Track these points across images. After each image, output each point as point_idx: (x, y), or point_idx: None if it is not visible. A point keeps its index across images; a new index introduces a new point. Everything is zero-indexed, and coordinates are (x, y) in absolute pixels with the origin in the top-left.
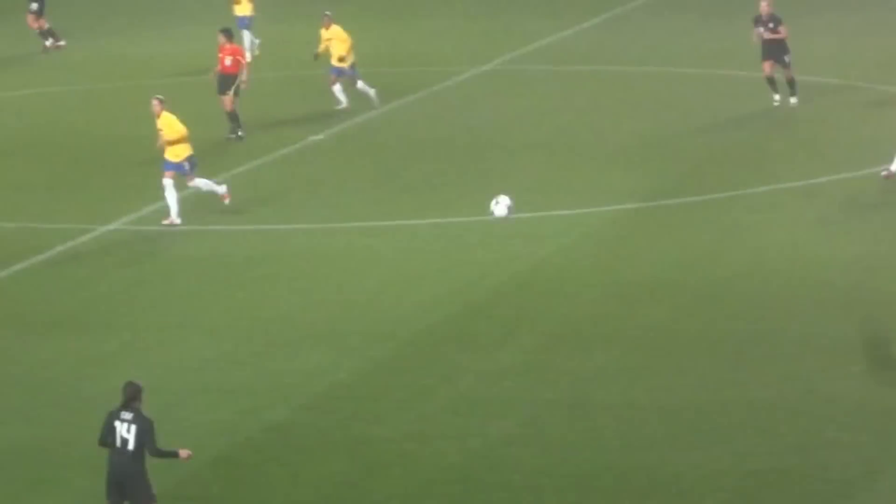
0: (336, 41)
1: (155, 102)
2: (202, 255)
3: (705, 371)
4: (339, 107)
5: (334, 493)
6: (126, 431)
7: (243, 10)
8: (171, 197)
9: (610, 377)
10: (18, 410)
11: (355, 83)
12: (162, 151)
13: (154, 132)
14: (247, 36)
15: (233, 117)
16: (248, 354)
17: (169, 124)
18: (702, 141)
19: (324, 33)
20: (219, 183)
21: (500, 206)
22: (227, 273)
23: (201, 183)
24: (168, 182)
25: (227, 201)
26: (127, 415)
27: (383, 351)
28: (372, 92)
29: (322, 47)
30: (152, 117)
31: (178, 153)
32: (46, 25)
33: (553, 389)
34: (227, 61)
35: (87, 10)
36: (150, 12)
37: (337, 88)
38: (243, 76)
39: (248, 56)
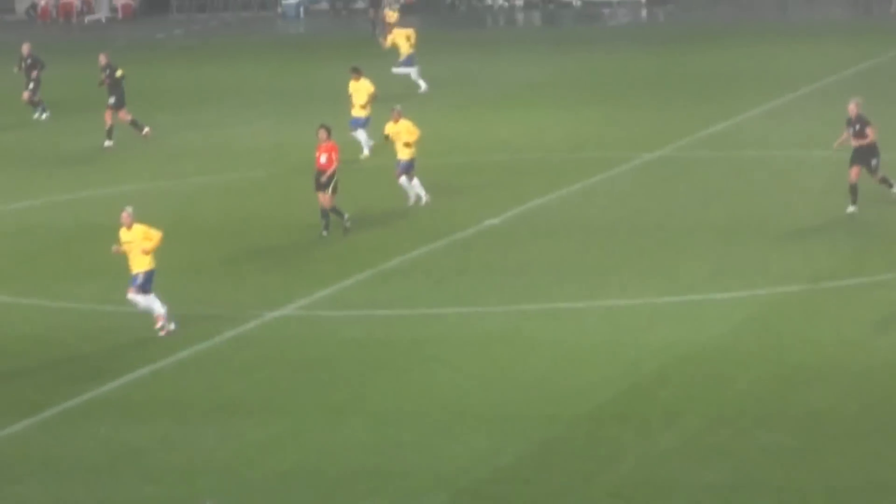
0: (403, 133)
1: (125, 215)
2: (369, 339)
3: (868, 452)
4: (411, 202)
5: None
6: None
7: (358, 112)
8: (153, 303)
9: (773, 458)
10: (175, 500)
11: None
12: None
13: None
14: (361, 134)
15: (324, 214)
16: (410, 438)
17: (142, 235)
18: (864, 223)
19: (391, 126)
20: (163, 305)
21: None
22: (394, 357)
23: (142, 300)
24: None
25: (162, 333)
26: None
27: (547, 433)
28: (413, 194)
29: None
30: (122, 228)
31: (140, 265)
32: (130, 117)
33: (715, 471)
34: (323, 158)
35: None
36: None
37: (404, 180)
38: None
39: (365, 152)
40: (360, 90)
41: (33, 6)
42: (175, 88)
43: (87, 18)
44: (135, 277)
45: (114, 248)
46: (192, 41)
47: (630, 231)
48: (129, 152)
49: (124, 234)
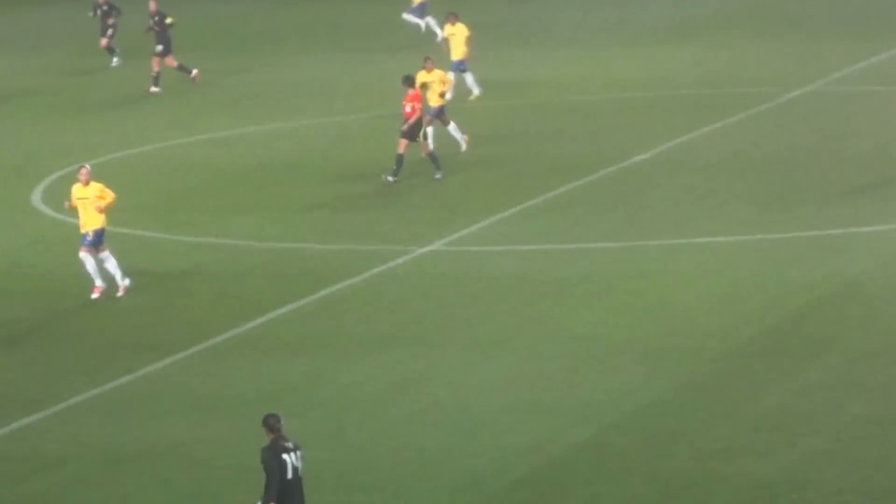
0: (436, 82)
1: (83, 171)
2: (516, 275)
3: None
4: (462, 149)
5: None
6: (296, 459)
7: (457, 55)
8: (108, 265)
9: None
10: (324, 434)
11: (447, 124)
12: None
13: None
14: (468, 77)
15: (398, 161)
16: (558, 373)
17: (98, 194)
18: None
19: (424, 74)
20: (123, 277)
21: None
22: (544, 292)
23: (91, 262)
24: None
25: (120, 293)
26: (287, 444)
27: (692, 368)
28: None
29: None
30: (80, 185)
31: (92, 223)
32: (176, 63)
33: (862, 405)
34: (407, 108)
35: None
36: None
37: (451, 128)
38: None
39: (476, 92)
40: (458, 34)
41: None
42: (273, 29)
43: None
44: (84, 235)
45: (66, 203)
46: None
47: (779, 166)
48: (244, 94)
49: (79, 190)
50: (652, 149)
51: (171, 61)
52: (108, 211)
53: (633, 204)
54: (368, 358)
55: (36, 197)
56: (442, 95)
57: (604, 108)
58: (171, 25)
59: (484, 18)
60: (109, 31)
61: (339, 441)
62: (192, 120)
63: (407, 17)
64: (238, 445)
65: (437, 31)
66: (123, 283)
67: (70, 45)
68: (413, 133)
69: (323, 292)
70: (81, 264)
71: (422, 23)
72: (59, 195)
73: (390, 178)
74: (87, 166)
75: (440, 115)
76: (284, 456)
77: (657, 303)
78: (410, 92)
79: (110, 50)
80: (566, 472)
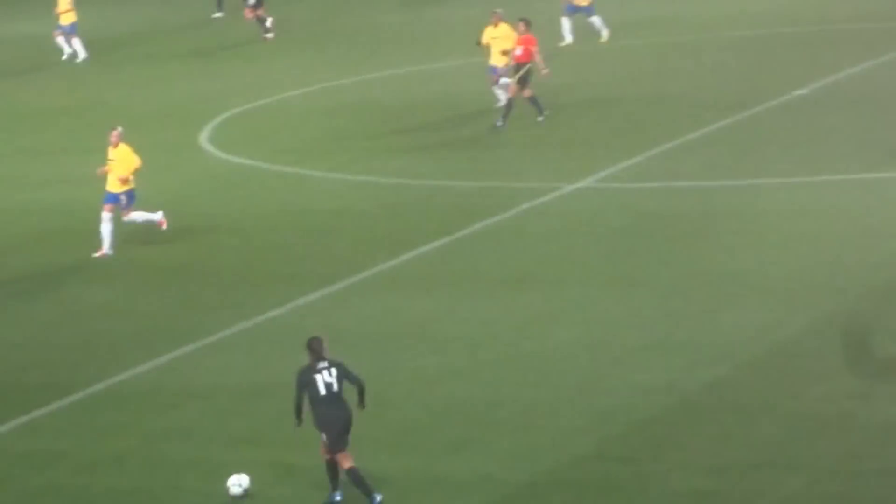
0: (501, 39)
1: (115, 133)
2: (665, 211)
3: None
4: (498, 104)
5: (762, 455)
6: (328, 376)
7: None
8: (106, 229)
9: None
10: (457, 369)
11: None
12: (103, 179)
13: None
14: (596, 21)
15: (509, 104)
16: (695, 311)
17: (123, 157)
18: None
19: (491, 30)
20: (153, 211)
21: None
22: (689, 228)
23: (136, 216)
24: (106, 216)
25: (164, 227)
26: (322, 364)
27: (832, 307)
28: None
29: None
30: (108, 147)
31: (120, 185)
32: (262, 13)
33: None
34: (518, 51)
35: None
36: None
37: (500, 84)
38: (540, 65)
39: (604, 36)
40: None
41: None
42: None
43: None
44: (116, 197)
45: (98, 170)
46: None
47: None
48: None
49: (111, 152)
50: (810, 84)
51: (250, 13)
52: (128, 175)
53: (790, 139)
54: (509, 293)
55: (203, 137)
56: (505, 53)
57: (755, 45)
58: None
59: None
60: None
61: (475, 376)
62: (346, 62)
63: None
64: (379, 379)
65: None
66: (158, 216)
67: None
68: (524, 77)
69: (470, 229)
70: (132, 222)
71: None
72: (224, 136)
73: (540, 119)
74: (119, 128)
75: (504, 74)
76: (316, 376)
77: (805, 240)
78: (524, 35)
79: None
80: (697, 410)
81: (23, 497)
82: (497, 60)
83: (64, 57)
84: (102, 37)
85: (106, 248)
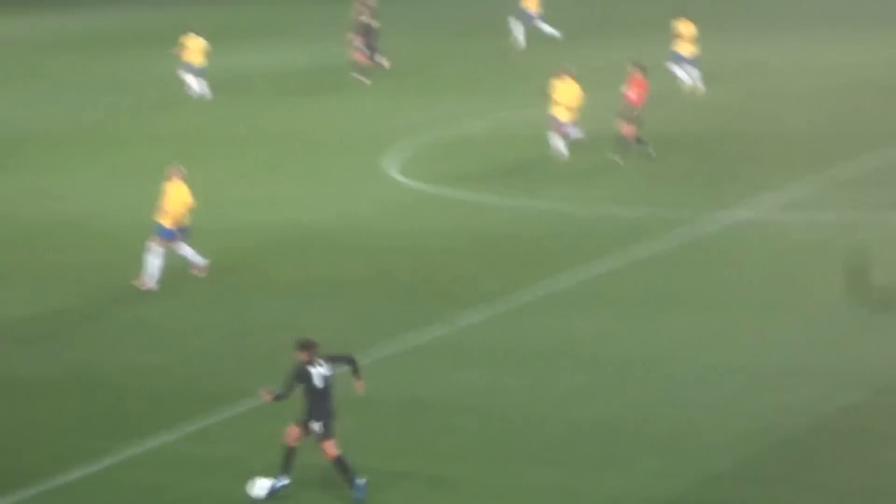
0: (566, 94)
1: (172, 170)
2: (816, 241)
3: None
4: (560, 157)
5: (893, 481)
6: (324, 370)
7: (684, 49)
8: (154, 263)
9: None
10: (606, 388)
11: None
12: (160, 215)
13: None
14: (677, 70)
15: (622, 142)
16: (836, 336)
17: (176, 194)
18: None
19: (559, 85)
20: (203, 256)
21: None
22: (831, 258)
23: (185, 251)
24: (157, 250)
25: (202, 274)
26: (319, 360)
27: None
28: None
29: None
30: (167, 182)
31: (173, 221)
32: (371, 51)
33: None
34: (631, 93)
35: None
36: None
37: (555, 138)
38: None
39: (687, 85)
40: (687, 29)
41: None
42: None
43: None
44: (170, 232)
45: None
46: None
47: None
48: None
49: (167, 187)
50: None
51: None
52: (180, 211)
53: None
54: (658, 317)
55: (385, 163)
56: (569, 108)
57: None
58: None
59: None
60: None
61: (622, 396)
62: (518, 96)
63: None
64: (531, 396)
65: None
66: (202, 262)
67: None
68: (630, 113)
69: (627, 254)
70: (183, 256)
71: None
72: (405, 163)
73: (650, 151)
74: (180, 167)
75: (562, 128)
76: (311, 369)
77: None
78: (636, 78)
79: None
80: (833, 434)
81: (191, 500)
82: (560, 114)
83: (191, 94)
84: (294, 71)
85: (149, 280)
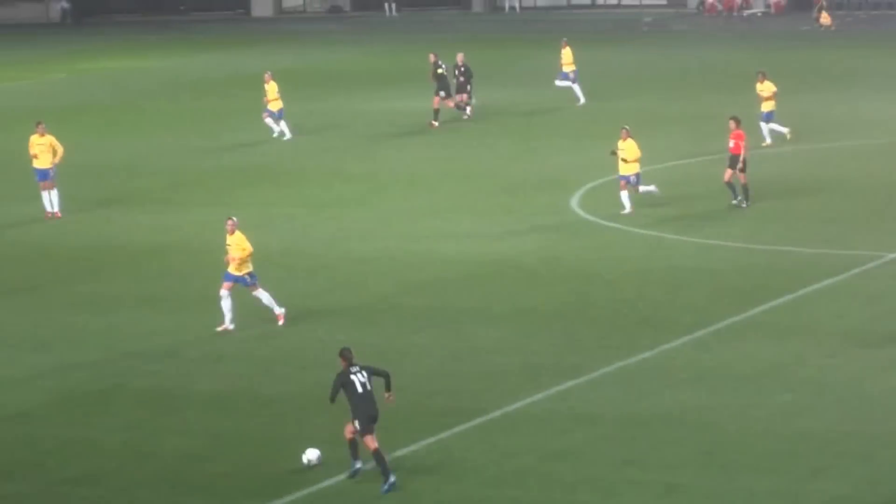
0: (627, 152)
1: (230, 223)
2: None
3: None
4: (623, 212)
5: None
6: (363, 378)
7: (767, 105)
8: (226, 305)
9: None
10: (807, 407)
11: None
12: (226, 265)
13: None
14: (764, 127)
15: (730, 187)
16: None
17: (238, 243)
18: None
19: (620, 144)
20: (280, 304)
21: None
22: None
23: (262, 296)
24: (224, 293)
25: (280, 322)
26: (354, 368)
27: None
28: (650, 189)
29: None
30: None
31: (240, 269)
32: (452, 104)
33: None
34: (731, 143)
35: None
36: None
37: (624, 195)
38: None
39: (768, 141)
40: (767, 88)
41: (702, 2)
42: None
43: (746, 13)
44: (243, 279)
45: (226, 258)
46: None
47: None
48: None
49: (228, 238)
50: None
51: (449, 102)
52: (245, 258)
53: None
54: (845, 344)
55: (574, 202)
56: (626, 161)
57: None
58: (444, 74)
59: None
60: (463, 93)
61: (823, 413)
62: (696, 143)
63: (559, 83)
64: (740, 412)
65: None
66: (280, 311)
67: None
68: (735, 163)
69: (810, 287)
70: (258, 300)
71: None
72: (592, 202)
73: (734, 202)
74: (234, 218)
75: (636, 182)
76: (352, 377)
77: None
78: (735, 131)
79: (460, 108)
80: None
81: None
82: (623, 170)
83: (273, 135)
84: (486, 112)
85: (227, 322)
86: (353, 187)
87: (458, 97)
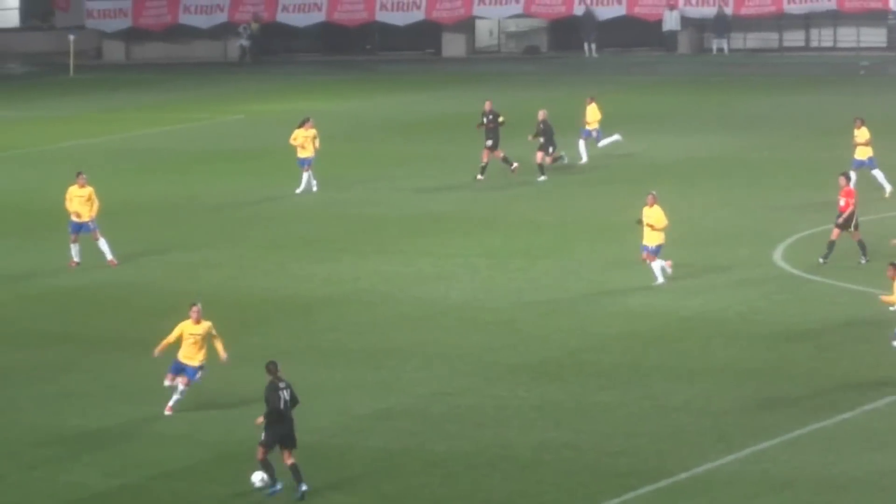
0: (653, 219)
1: (195, 310)
2: None
3: None
4: (656, 283)
5: None
6: (287, 395)
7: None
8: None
9: None
10: None
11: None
12: None
13: None
14: (878, 175)
15: (829, 246)
16: None
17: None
18: None
19: (646, 210)
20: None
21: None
22: None
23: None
24: None
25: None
26: (282, 383)
27: None
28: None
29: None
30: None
31: (197, 358)
32: (502, 154)
33: None
34: (841, 202)
35: None
36: None
37: (656, 265)
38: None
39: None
40: (861, 135)
41: None
42: None
43: None
44: (191, 369)
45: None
46: None
47: None
48: None
49: (189, 326)
50: None
51: (498, 153)
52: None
53: None
54: None
55: (776, 254)
56: (652, 228)
57: None
58: (502, 123)
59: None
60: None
61: None
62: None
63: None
64: None
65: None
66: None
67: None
68: (846, 223)
69: None
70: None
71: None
72: (795, 253)
73: (821, 260)
74: (198, 305)
75: (656, 253)
76: (279, 392)
77: None
78: (845, 188)
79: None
80: None
81: None
82: (648, 239)
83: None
84: (664, 161)
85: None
86: (539, 237)
87: (539, 153)
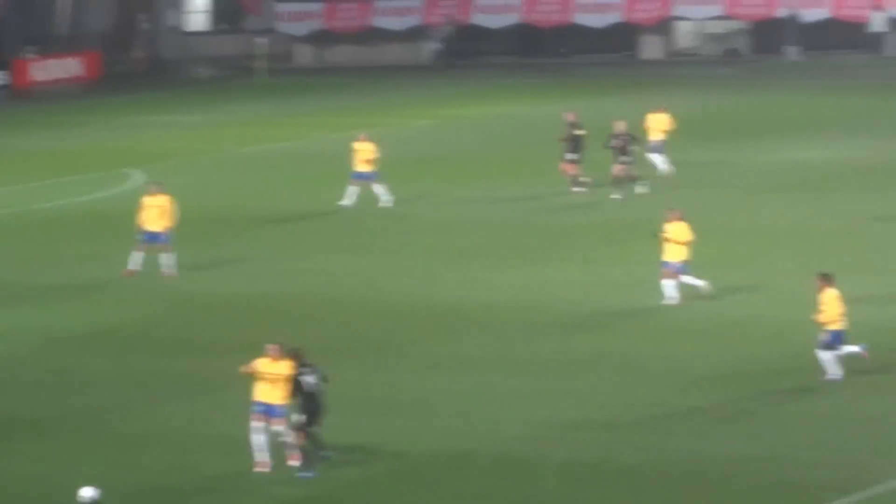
0: (676, 235)
1: (272, 348)
2: None
3: None
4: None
5: None
6: (311, 379)
7: None
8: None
9: None
10: None
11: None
12: None
13: None
14: None
15: None
16: None
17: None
18: None
19: (669, 227)
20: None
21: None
22: None
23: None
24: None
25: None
26: (305, 369)
27: None
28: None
29: None
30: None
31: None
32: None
33: None
34: None
35: None
36: None
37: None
38: None
39: None
40: None
41: None
42: None
43: None
44: (270, 408)
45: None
46: None
47: None
48: None
49: (268, 365)
50: None
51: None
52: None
53: None
54: None
55: None
56: (678, 244)
57: None
58: (581, 136)
59: None
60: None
61: None
62: None
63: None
64: None
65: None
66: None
67: None
68: None
69: None
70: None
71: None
72: None
73: None
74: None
75: (682, 271)
76: (300, 378)
77: None
78: None
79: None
80: None
81: None
82: (669, 256)
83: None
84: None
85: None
86: (730, 244)
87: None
